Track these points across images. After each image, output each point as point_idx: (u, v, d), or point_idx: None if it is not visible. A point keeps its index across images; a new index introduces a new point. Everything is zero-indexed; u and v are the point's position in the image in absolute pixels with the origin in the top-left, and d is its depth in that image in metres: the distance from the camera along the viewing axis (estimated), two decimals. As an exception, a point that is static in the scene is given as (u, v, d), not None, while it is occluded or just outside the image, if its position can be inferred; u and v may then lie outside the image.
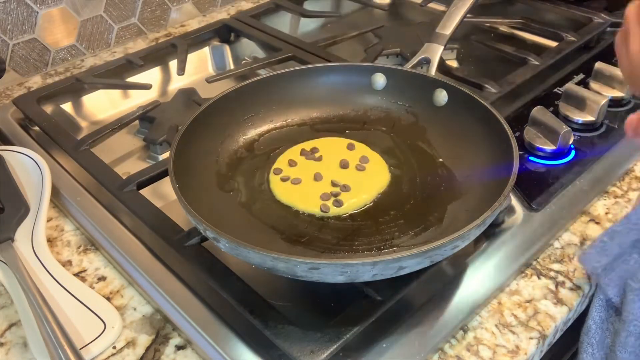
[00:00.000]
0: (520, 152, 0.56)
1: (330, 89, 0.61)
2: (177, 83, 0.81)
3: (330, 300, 0.47)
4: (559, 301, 0.48)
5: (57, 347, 0.41)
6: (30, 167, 0.58)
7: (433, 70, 0.61)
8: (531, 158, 0.59)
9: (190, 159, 0.51)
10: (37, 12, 0.78)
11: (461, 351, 0.44)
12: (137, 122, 0.70)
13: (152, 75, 0.79)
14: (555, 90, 0.68)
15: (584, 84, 0.67)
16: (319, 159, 0.54)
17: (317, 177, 0.52)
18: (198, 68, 0.84)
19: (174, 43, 0.80)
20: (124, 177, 0.57)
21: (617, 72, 0.66)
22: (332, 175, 0.52)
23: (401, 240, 0.47)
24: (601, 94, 0.64)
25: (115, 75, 0.76)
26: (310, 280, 0.40)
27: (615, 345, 0.47)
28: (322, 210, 0.49)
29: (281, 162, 0.55)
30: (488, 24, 0.87)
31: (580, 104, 0.63)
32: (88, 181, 0.59)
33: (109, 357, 0.45)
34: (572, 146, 0.60)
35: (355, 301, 0.43)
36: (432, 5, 0.91)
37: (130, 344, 0.46)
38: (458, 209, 0.49)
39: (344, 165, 0.53)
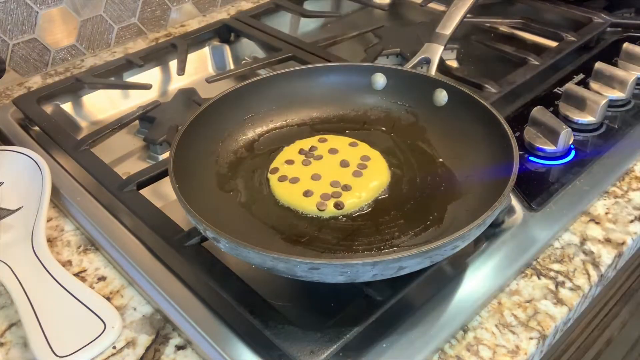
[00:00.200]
0: (520, 152, 0.56)
1: (330, 89, 0.61)
2: (177, 83, 0.81)
3: (330, 300, 0.47)
4: (559, 301, 0.48)
5: None
6: (30, 167, 0.58)
7: (433, 70, 0.61)
8: (531, 158, 0.59)
9: (190, 159, 0.51)
10: (37, 12, 0.78)
11: (461, 351, 0.44)
12: (137, 122, 0.70)
13: (152, 75, 0.79)
14: (555, 90, 0.68)
15: (584, 84, 0.67)
16: (319, 157, 0.54)
17: (317, 177, 0.52)
18: (198, 68, 0.84)
19: (174, 43, 0.80)
20: (124, 177, 0.57)
21: (617, 72, 0.66)
22: (332, 174, 0.52)
23: (401, 240, 0.47)
24: (601, 94, 0.64)
25: (115, 75, 0.76)
26: (310, 280, 0.40)
27: None
28: (318, 209, 0.49)
29: (279, 161, 0.54)
30: (488, 24, 0.86)
31: (580, 104, 0.63)
32: (88, 181, 0.59)
33: (109, 357, 0.45)
34: (572, 146, 0.60)
35: (355, 301, 0.43)
36: (432, 5, 0.91)
37: (130, 344, 0.46)
38: (458, 209, 0.49)
39: (344, 164, 0.53)
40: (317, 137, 0.57)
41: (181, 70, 0.75)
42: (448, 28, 0.64)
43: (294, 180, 0.52)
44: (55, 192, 0.58)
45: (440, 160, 0.55)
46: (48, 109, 0.70)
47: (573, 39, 0.75)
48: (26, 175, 0.58)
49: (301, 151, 0.55)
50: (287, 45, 0.78)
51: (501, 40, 0.82)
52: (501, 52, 0.77)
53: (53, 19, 0.79)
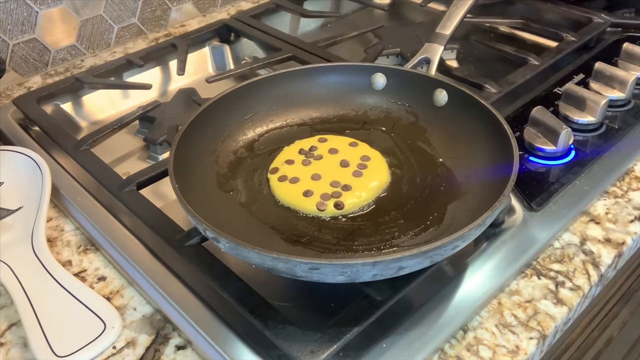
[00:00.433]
0: (520, 152, 0.56)
1: (330, 89, 0.61)
2: (177, 83, 0.81)
3: (330, 300, 0.47)
4: (559, 301, 0.48)
5: None
6: (30, 167, 0.58)
7: (433, 70, 0.61)
8: (531, 158, 0.59)
9: (190, 159, 0.51)
10: (37, 12, 0.78)
11: (461, 351, 0.44)
12: (137, 122, 0.70)
13: (152, 75, 0.79)
14: (555, 90, 0.68)
15: (584, 84, 0.67)
16: (319, 157, 0.54)
17: (317, 177, 0.52)
18: (198, 68, 0.84)
19: (174, 43, 0.80)
20: (124, 177, 0.57)
21: (617, 72, 0.66)
22: (332, 174, 0.52)
23: (401, 240, 0.47)
24: (601, 94, 0.64)
25: (115, 75, 0.76)
26: (310, 280, 0.40)
27: None
28: (318, 209, 0.49)
29: (279, 161, 0.54)
30: (488, 24, 0.86)
31: (580, 104, 0.63)
32: (88, 181, 0.59)
33: (109, 357, 0.45)
34: (572, 146, 0.60)
35: (355, 301, 0.43)
36: (432, 5, 0.91)
37: (130, 344, 0.46)
38: (458, 209, 0.49)
39: (344, 164, 0.53)
40: (317, 137, 0.57)
41: (181, 70, 0.75)
42: (448, 28, 0.64)
43: (294, 180, 0.52)
44: (55, 192, 0.58)
45: (440, 160, 0.55)
46: (48, 109, 0.70)
47: (573, 39, 0.75)
48: (26, 175, 0.58)
49: (301, 151, 0.55)
50: (287, 45, 0.78)
51: (501, 40, 0.82)
52: (501, 52, 0.77)
53: (53, 19, 0.79)
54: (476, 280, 0.48)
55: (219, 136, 0.56)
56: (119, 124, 0.66)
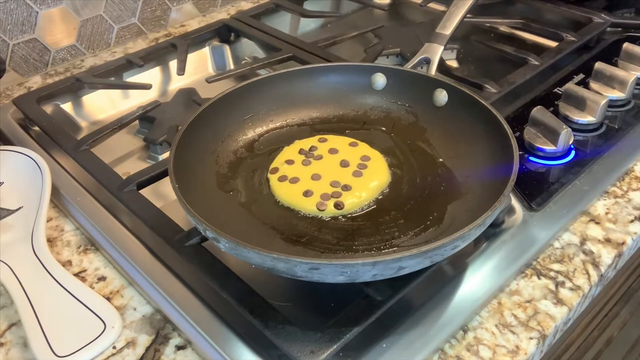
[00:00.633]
0: (520, 152, 0.56)
1: (330, 89, 0.61)
2: (177, 83, 0.81)
3: (330, 300, 0.47)
4: (559, 301, 0.48)
5: None
6: (30, 167, 0.58)
7: (433, 70, 0.61)
8: (531, 158, 0.59)
9: (190, 159, 0.51)
10: (37, 12, 0.78)
11: (461, 351, 0.44)
12: (137, 122, 0.70)
13: (152, 75, 0.79)
14: (555, 90, 0.68)
15: (584, 84, 0.67)
16: (319, 157, 0.54)
17: (317, 177, 0.52)
18: (198, 68, 0.84)
19: (174, 43, 0.80)
20: (124, 177, 0.57)
21: (617, 72, 0.66)
22: (332, 174, 0.52)
23: (401, 240, 0.47)
24: (601, 94, 0.64)
25: (115, 75, 0.76)
26: (310, 280, 0.40)
27: None
28: (318, 209, 0.49)
29: (279, 161, 0.54)
30: (488, 24, 0.86)
31: (580, 104, 0.63)
32: (88, 181, 0.59)
33: (109, 357, 0.45)
34: (572, 146, 0.60)
35: (355, 301, 0.43)
36: (432, 5, 0.91)
37: (130, 344, 0.46)
38: (458, 209, 0.49)
39: (344, 164, 0.53)
40: (317, 137, 0.57)
41: (181, 70, 0.75)
42: (448, 28, 0.64)
43: (294, 180, 0.52)
44: (55, 192, 0.58)
45: (440, 160, 0.55)
46: (48, 109, 0.70)
47: (573, 39, 0.75)
48: (26, 175, 0.58)
49: (301, 151, 0.55)
50: (287, 45, 0.78)
51: (501, 40, 0.82)
52: (501, 52, 0.77)
53: (53, 19, 0.79)
54: (476, 280, 0.48)
55: (219, 136, 0.56)
56: (119, 124, 0.66)
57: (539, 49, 0.76)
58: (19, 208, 0.56)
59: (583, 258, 0.51)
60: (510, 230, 0.52)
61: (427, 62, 0.63)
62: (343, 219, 0.49)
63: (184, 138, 0.50)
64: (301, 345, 0.40)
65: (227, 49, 0.85)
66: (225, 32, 0.86)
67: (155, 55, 0.79)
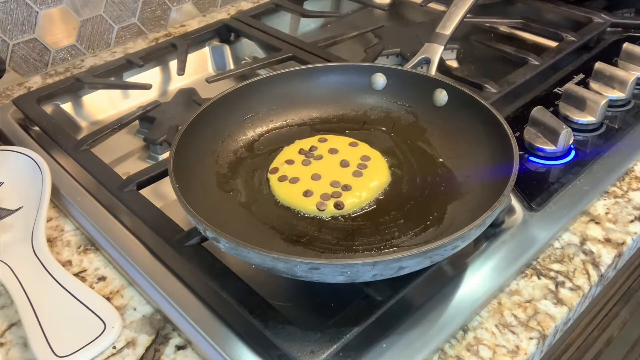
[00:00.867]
0: (520, 152, 0.56)
1: (330, 89, 0.61)
2: (177, 83, 0.81)
3: (330, 300, 0.47)
4: (559, 301, 0.48)
5: None
6: (30, 167, 0.58)
7: (433, 70, 0.61)
8: (531, 158, 0.59)
9: (190, 159, 0.51)
10: (37, 12, 0.78)
11: (461, 351, 0.44)
12: (137, 122, 0.70)
13: (152, 75, 0.79)
14: (555, 90, 0.68)
15: (584, 84, 0.67)
16: (319, 157, 0.54)
17: (317, 177, 0.52)
18: (198, 68, 0.84)
19: (174, 43, 0.80)
20: (124, 177, 0.57)
21: (617, 72, 0.66)
22: (332, 174, 0.52)
23: (401, 240, 0.47)
24: (601, 94, 0.64)
25: (115, 75, 0.76)
26: (310, 280, 0.40)
27: None
28: (318, 209, 0.49)
29: (279, 161, 0.54)
30: (488, 24, 0.86)
31: (580, 104, 0.63)
32: (88, 181, 0.59)
33: (109, 357, 0.45)
34: (572, 146, 0.60)
35: (355, 301, 0.43)
36: (432, 5, 0.91)
37: (130, 344, 0.46)
38: (458, 209, 0.49)
39: (344, 164, 0.53)
40: (317, 137, 0.57)
41: (181, 70, 0.75)
42: (448, 28, 0.64)
43: (294, 180, 0.52)
44: (55, 192, 0.58)
45: (440, 160, 0.55)
46: (48, 109, 0.70)
47: (573, 39, 0.75)
48: (26, 175, 0.58)
49: (301, 151, 0.55)
50: (287, 45, 0.78)
51: (501, 40, 0.82)
52: (501, 52, 0.77)
53: (53, 19, 0.79)
54: (476, 280, 0.48)
55: (219, 136, 0.56)
56: (119, 124, 0.66)
57: (539, 49, 0.76)
58: (19, 208, 0.56)
59: (583, 258, 0.51)
60: (510, 230, 0.52)
61: (427, 62, 0.63)
62: (343, 219, 0.49)
63: (184, 138, 0.50)
64: (301, 345, 0.40)
65: (227, 49, 0.85)
66: (225, 32, 0.86)
67: (155, 55, 0.79)
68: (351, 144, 0.56)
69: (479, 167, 0.51)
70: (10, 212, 0.56)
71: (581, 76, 0.70)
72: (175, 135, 0.50)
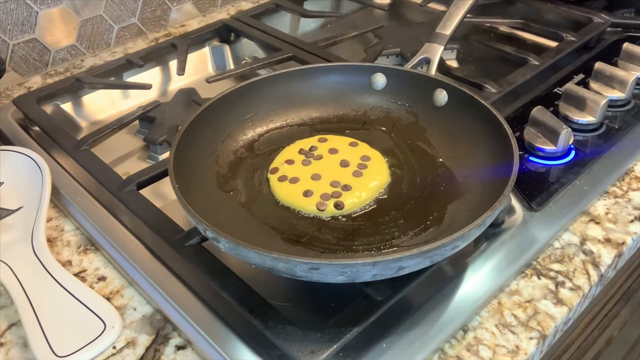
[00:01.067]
0: (520, 152, 0.56)
1: (330, 89, 0.61)
2: (177, 83, 0.81)
3: (330, 300, 0.47)
4: (559, 301, 0.48)
5: None
6: (30, 167, 0.58)
7: (433, 70, 0.61)
8: (531, 158, 0.59)
9: (190, 159, 0.51)
10: (37, 12, 0.78)
11: (461, 351, 0.44)
12: (137, 122, 0.70)
13: (152, 75, 0.79)
14: (555, 90, 0.68)
15: (584, 84, 0.67)
16: (319, 157, 0.54)
17: (317, 177, 0.52)
18: (198, 68, 0.84)
19: (174, 43, 0.80)
20: (124, 177, 0.57)
21: (617, 72, 0.66)
22: (332, 174, 0.52)
23: (401, 240, 0.47)
24: (601, 94, 0.64)
25: (115, 75, 0.76)
26: (310, 280, 0.40)
27: None
28: (318, 209, 0.49)
29: (279, 161, 0.54)
30: (488, 24, 0.86)
31: (580, 104, 0.63)
32: (88, 181, 0.59)
33: (109, 357, 0.45)
34: (572, 146, 0.60)
35: (355, 301, 0.43)
36: (432, 5, 0.91)
37: (130, 344, 0.46)
38: (458, 209, 0.49)
39: (344, 164, 0.53)
40: (317, 137, 0.57)
41: (181, 70, 0.75)
42: (448, 28, 0.64)
43: (294, 180, 0.52)
44: (55, 192, 0.58)
45: (440, 160, 0.55)
46: (48, 109, 0.70)
47: (573, 39, 0.75)
48: (26, 175, 0.58)
49: (301, 151, 0.55)
50: (287, 45, 0.78)
51: (501, 40, 0.82)
52: (501, 52, 0.77)
53: (53, 19, 0.79)
54: (476, 280, 0.48)
55: (219, 136, 0.56)
56: (119, 124, 0.66)
57: (539, 49, 0.76)
58: (19, 208, 0.56)
59: (583, 258, 0.51)
60: (510, 230, 0.52)
61: (427, 62, 0.63)
62: (343, 219, 0.49)
63: (184, 138, 0.50)
64: (301, 345, 0.40)
65: (227, 49, 0.85)
66: (225, 32, 0.86)
67: (155, 55, 0.79)
68: (351, 144, 0.56)
69: (479, 167, 0.51)
70: (10, 212, 0.56)
71: (581, 76, 0.70)
72: (175, 135, 0.50)
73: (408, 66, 0.61)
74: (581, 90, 0.63)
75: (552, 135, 0.58)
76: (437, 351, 0.44)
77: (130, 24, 0.88)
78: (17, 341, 0.46)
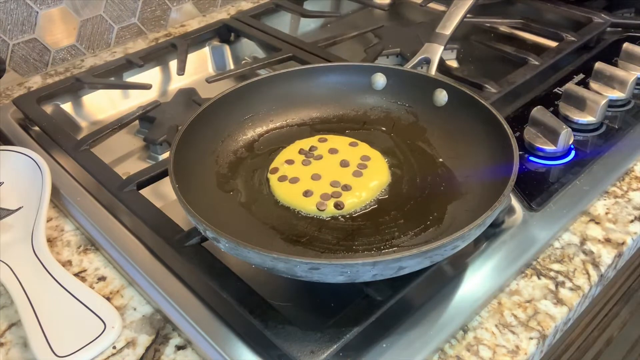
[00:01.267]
0: (520, 152, 0.56)
1: (330, 89, 0.61)
2: (177, 83, 0.81)
3: (330, 300, 0.47)
4: (559, 301, 0.48)
5: None
6: (30, 167, 0.58)
7: (433, 70, 0.61)
8: (531, 158, 0.59)
9: (190, 159, 0.51)
10: (37, 12, 0.78)
11: (461, 351, 0.44)
12: (137, 122, 0.70)
13: (152, 75, 0.79)
14: (555, 90, 0.68)
15: (584, 84, 0.67)
16: (319, 157, 0.54)
17: (317, 177, 0.52)
18: (198, 68, 0.84)
19: (174, 43, 0.80)
20: (124, 177, 0.57)
21: (617, 72, 0.66)
22: (332, 174, 0.52)
23: (401, 240, 0.47)
24: (601, 94, 0.64)
25: (115, 75, 0.76)
26: (310, 280, 0.40)
27: None
28: (318, 209, 0.49)
29: (279, 161, 0.54)
30: (488, 24, 0.86)
31: (580, 104, 0.63)
32: (88, 181, 0.59)
33: (109, 357, 0.45)
34: (572, 146, 0.60)
35: (355, 301, 0.43)
36: (432, 5, 0.91)
37: (130, 344, 0.46)
38: (458, 209, 0.49)
39: (344, 164, 0.53)
40: (317, 137, 0.57)
41: (181, 70, 0.75)
42: (448, 28, 0.64)
43: (294, 180, 0.52)
44: (55, 192, 0.58)
45: (440, 160, 0.55)
46: (48, 109, 0.70)
47: (573, 39, 0.75)
48: (26, 175, 0.58)
49: (301, 151, 0.55)
50: (287, 45, 0.78)
51: (501, 40, 0.82)
52: (501, 52, 0.77)
53: (53, 19, 0.79)
54: (476, 280, 0.48)
55: (219, 136, 0.56)
56: (119, 124, 0.66)
57: (539, 49, 0.76)
58: (19, 208, 0.56)
59: (583, 258, 0.51)
60: (510, 230, 0.52)
61: (427, 62, 0.63)
62: (343, 219, 0.49)
63: (184, 138, 0.50)
64: (301, 345, 0.40)
65: (227, 49, 0.85)
66: (225, 32, 0.86)
67: (155, 55, 0.79)
68: (351, 144, 0.56)
69: (479, 167, 0.51)
70: (10, 212, 0.56)
71: (581, 76, 0.70)
72: (175, 135, 0.50)
73: (408, 66, 0.61)
74: (581, 90, 0.63)
75: (552, 135, 0.58)
76: (437, 351, 0.44)
77: (130, 24, 0.88)
78: (17, 341, 0.46)
